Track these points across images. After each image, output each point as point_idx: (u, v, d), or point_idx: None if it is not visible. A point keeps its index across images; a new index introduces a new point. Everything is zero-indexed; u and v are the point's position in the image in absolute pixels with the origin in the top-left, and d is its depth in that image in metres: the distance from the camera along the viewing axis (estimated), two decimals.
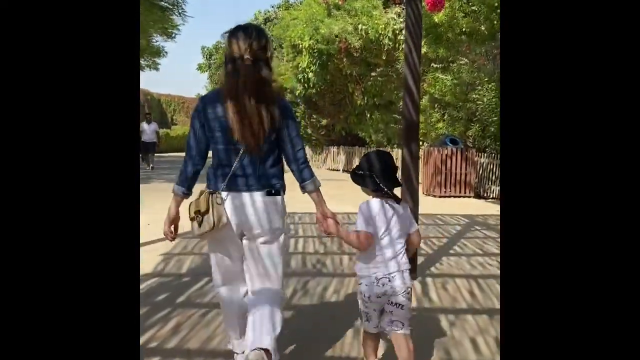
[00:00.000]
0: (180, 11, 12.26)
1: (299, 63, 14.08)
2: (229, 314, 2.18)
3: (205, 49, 22.94)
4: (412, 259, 2.56)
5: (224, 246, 2.05)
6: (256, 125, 1.89)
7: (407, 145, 3.69)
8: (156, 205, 5.75)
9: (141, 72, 20.83)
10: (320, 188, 2.04)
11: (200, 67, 23.12)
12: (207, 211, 1.93)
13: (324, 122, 15.89)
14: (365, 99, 13.69)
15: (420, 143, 11.91)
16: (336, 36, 12.13)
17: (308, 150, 18.17)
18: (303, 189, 2.02)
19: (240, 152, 1.93)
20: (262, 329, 1.98)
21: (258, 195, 1.96)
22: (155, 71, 20.83)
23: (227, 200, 1.96)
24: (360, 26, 11.36)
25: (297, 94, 15.31)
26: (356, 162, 15.27)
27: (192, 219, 1.98)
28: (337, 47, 12.38)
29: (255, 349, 1.90)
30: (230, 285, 2.14)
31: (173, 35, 14.30)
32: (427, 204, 7.94)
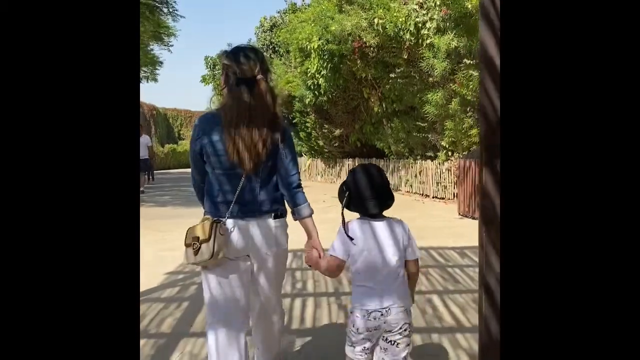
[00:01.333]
0: (170, 9, 10.91)
1: (308, 68, 12.66)
2: (224, 354, 1.92)
3: (209, 59, 21.73)
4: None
5: (226, 277, 1.94)
6: (260, 150, 1.87)
7: (489, 163, 2.12)
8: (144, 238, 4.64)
9: (141, 84, 19.81)
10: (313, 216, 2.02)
11: (204, 79, 21.89)
12: (207, 240, 1.84)
13: (337, 132, 14.41)
14: (383, 105, 12.18)
15: (449, 153, 10.30)
16: (349, 34, 10.64)
17: (320, 163, 16.69)
18: (295, 214, 2.00)
19: (243, 177, 1.91)
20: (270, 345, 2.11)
21: (266, 221, 1.94)
22: (154, 82, 19.72)
23: (233, 227, 1.91)
24: (376, 21, 9.86)
25: (306, 102, 13.88)
26: None
27: (187, 245, 1.89)
28: (350, 47, 10.89)
29: None
30: (228, 327, 1.94)
31: (168, 43, 13.00)
32: (465, 229, 6.72)
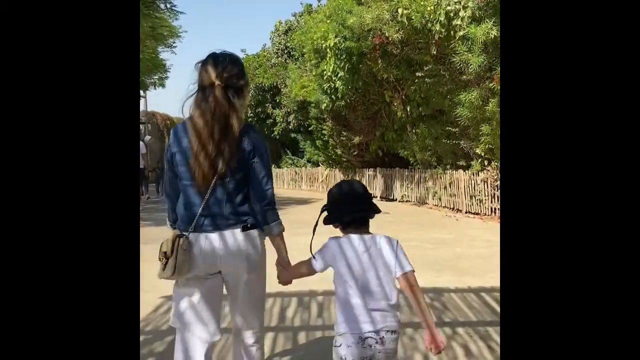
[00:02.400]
0: (168, 4, 9.89)
1: (324, 69, 11.52)
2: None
3: None
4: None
5: (192, 291, 1.88)
6: (217, 161, 1.82)
7: None
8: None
9: (150, 92, 19.00)
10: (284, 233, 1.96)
11: None
12: (170, 255, 1.79)
13: (356, 140, 13.21)
14: (407, 109, 10.93)
15: (485, 162, 8.97)
16: (369, 30, 9.47)
17: (338, 173, 15.47)
18: (262, 232, 1.92)
19: (209, 189, 1.84)
20: None
21: (232, 233, 1.85)
22: (161, 88, 18.90)
23: (199, 240, 1.85)
24: (400, 11, 8.65)
25: (323, 108, 12.72)
26: (397, 186, 12.67)
27: (159, 260, 1.84)
28: (370, 44, 9.71)
29: None
30: (196, 327, 1.88)
31: (172, 45, 12.02)
32: None
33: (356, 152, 13.84)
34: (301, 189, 17.69)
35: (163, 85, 15.20)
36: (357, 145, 13.49)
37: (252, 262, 1.89)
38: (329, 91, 12.03)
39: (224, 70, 1.84)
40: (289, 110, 17.58)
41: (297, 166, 18.79)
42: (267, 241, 1.96)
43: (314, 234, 1.79)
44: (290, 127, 17.92)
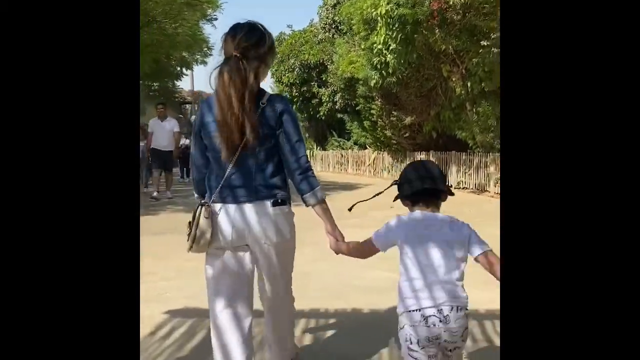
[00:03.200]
0: None
1: (374, 42, 10.45)
2: (230, 342, 1.87)
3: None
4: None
5: (222, 265, 1.88)
6: (235, 130, 1.78)
7: None
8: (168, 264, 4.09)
9: (196, 69, 18.61)
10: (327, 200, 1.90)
11: None
12: (193, 224, 1.84)
13: (407, 120, 12.10)
14: (468, 85, 9.70)
15: None
16: None
17: (387, 157, 14.42)
18: (304, 202, 1.87)
19: (234, 159, 1.82)
20: (279, 347, 2.07)
21: (261, 207, 1.82)
22: (203, 66, 18.40)
23: (225, 212, 1.84)
24: None
25: (372, 85, 11.68)
26: (453, 171, 11.46)
27: (187, 233, 1.86)
28: (427, 10, 8.55)
29: None
30: (230, 307, 1.88)
31: (211, 17, 11.30)
32: None
33: (407, 134, 12.73)
34: (347, 173, 16.75)
35: (205, 63, 14.66)
36: (409, 126, 12.37)
37: (281, 238, 1.86)
38: (378, 66, 11.04)
39: (241, 41, 1.81)
40: (335, 88, 16.59)
41: (343, 148, 17.81)
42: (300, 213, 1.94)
43: (377, 195, 1.91)
44: (336, 107, 16.95)
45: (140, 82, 18.10)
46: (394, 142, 13.49)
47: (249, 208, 1.82)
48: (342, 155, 17.46)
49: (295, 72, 18.07)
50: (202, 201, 1.86)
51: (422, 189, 1.71)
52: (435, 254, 1.63)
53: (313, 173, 1.87)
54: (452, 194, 1.77)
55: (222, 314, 1.88)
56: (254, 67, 1.80)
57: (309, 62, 17.48)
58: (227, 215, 1.83)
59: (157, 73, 14.66)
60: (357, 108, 14.81)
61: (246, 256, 1.89)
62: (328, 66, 16.51)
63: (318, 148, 19.64)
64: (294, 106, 19.47)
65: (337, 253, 1.90)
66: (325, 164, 18.30)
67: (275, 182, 1.86)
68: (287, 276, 2.01)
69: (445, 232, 1.67)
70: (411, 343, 1.59)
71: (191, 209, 1.91)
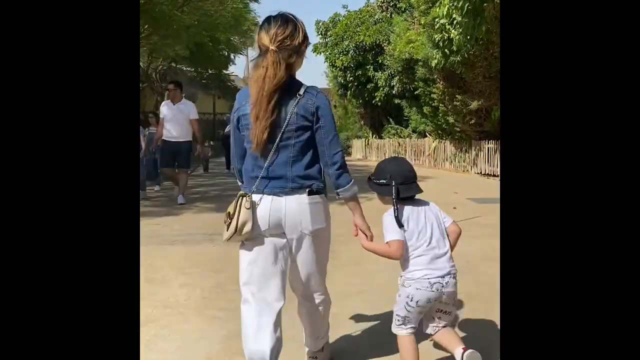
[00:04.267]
0: None
1: (436, 16, 9.16)
2: (260, 326, 1.87)
3: (320, 25, 18.93)
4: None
5: (258, 250, 1.91)
6: (275, 125, 1.83)
7: None
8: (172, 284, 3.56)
9: (243, 54, 17.82)
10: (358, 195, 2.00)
11: (315, 48, 19.17)
12: (234, 214, 1.86)
13: (473, 105, 10.70)
14: None
15: None
16: None
17: (449, 146, 13.06)
18: (338, 195, 1.96)
19: (272, 152, 1.86)
20: (313, 333, 2.15)
21: (297, 197, 1.89)
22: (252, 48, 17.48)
23: (265, 202, 1.88)
24: None
25: (433, 66, 10.39)
26: None
27: (224, 222, 1.89)
28: None
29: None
30: (262, 289, 1.90)
31: None
32: None
33: (473, 120, 11.31)
34: None
35: (252, 45, 13.85)
36: (475, 111, 10.97)
37: (316, 227, 1.92)
38: (441, 44, 9.75)
39: (277, 33, 1.82)
40: (392, 72, 15.31)
41: (400, 137, 16.53)
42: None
43: (395, 205, 2.01)
44: (393, 91, 15.67)
45: (183, 67, 17.63)
46: (458, 129, 12.09)
47: (285, 198, 1.88)
48: (399, 144, 16.19)
49: (350, 55, 16.89)
50: (243, 192, 1.90)
51: (412, 194, 2.08)
52: (435, 232, 2.01)
53: (348, 168, 1.95)
54: (421, 191, 2.11)
55: (254, 298, 1.91)
56: (291, 60, 1.85)
57: (364, 43, 16.26)
58: (264, 205, 1.88)
59: (203, 58, 14.02)
60: (416, 92, 13.49)
61: (282, 243, 1.93)
62: (385, 47, 15.23)
63: (374, 136, 18.41)
64: (349, 92, 18.36)
65: (370, 250, 2.05)
66: (381, 153, 17.11)
67: (310, 173, 1.91)
68: (323, 264, 2.06)
69: (430, 214, 2.05)
70: (411, 300, 1.96)
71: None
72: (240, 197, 1.87)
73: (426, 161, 14.32)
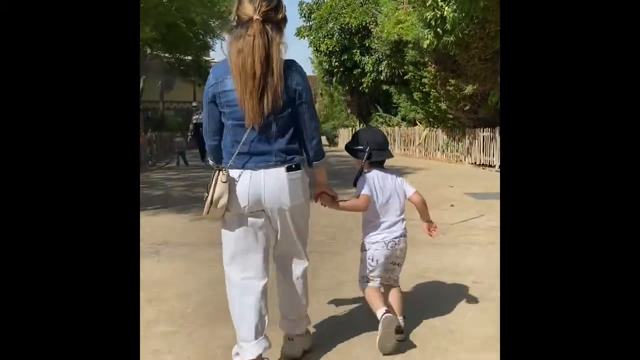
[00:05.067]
0: None
1: None
2: (243, 305, 1.95)
3: (304, 6, 17.92)
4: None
5: (239, 230, 1.92)
6: (263, 98, 1.80)
7: None
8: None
9: (222, 39, 16.76)
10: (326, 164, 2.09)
11: (298, 32, 18.17)
12: (210, 188, 1.86)
13: (468, 89, 9.89)
14: None
15: None
16: None
17: (441, 135, 12.27)
18: (311, 165, 2.03)
19: (256, 126, 1.84)
20: (292, 314, 2.11)
21: (277, 172, 1.89)
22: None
23: (244, 177, 1.88)
24: None
25: (424, 47, 9.52)
26: None
27: (204, 197, 1.88)
28: None
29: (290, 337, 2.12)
30: (245, 269, 1.96)
31: None
32: None
33: (468, 107, 10.49)
34: (394, 152, 14.64)
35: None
36: (470, 97, 10.15)
37: (294, 202, 1.92)
38: (433, 23, 8.87)
39: (262, 4, 1.80)
40: (380, 56, 14.44)
41: (389, 125, 15.67)
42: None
43: (361, 169, 2.27)
44: (381, 77, 14.81)
45: (159, 52, 16.53)
46: (451, 116, 11.27)
47: (265, 173, 1.87)
48: (387, 133, 15.32)
49: (335, 38, 15.94)
50: (220, 166, 1.89)
51: (383, 158, 2.32)
52: (394, 199, 2.26)
53: (321, 142, 2.07)
54: (392, 156, 2.39)
55: (237, 277, 1.95)
56: (275, 33, 1.82)
57: (350, 26, 15.32)
58: (244, 181, 1.87)
59: (177, 42, 12.97)
60: (405, 78, 12.64)
61: (262, 221, 1.93)
62: (372, 30, 14.31)
63: (361, 125, 17.55)
64: (334, 78, 17.44)
65: (332, 207, 2.23)
66: None
67: (292, 147, 1.93)
68: (303, 241, 2.07)
69: (394, 183, 2.29)
70: (372, 260, 2.24)
71: None
72: (217, 171, 1.86)
73: (416, 151, 13.51)
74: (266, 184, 1.86)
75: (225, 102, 1.85)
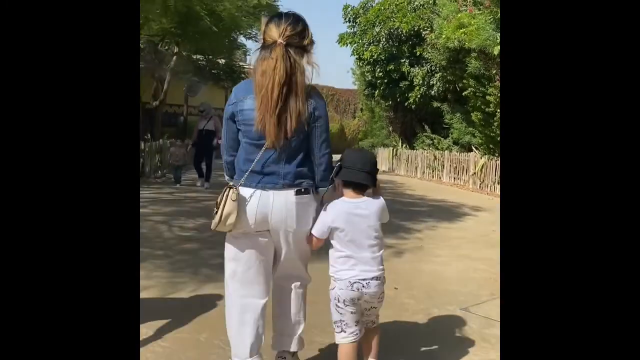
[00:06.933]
0: None
1: None
2: (241, 322, 2.00)
3: (349, 10, 16.06)
4: None
5: (243, 248, 1.98)
6: (282, 120, 1.84)
7: None
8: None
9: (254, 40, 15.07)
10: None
11: (341, 39, 16.30)
12: (220, 204, 1.90)
13: None
14: None
15: None
16: None
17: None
18: (318, 191, 2.03)
19: (267, 148, 1.89)
20: (289, 329, 2.11)
21: (285, 195, 1.92)
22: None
23: (254, 197, 1.92)
24: None
25: (494, 54, 7.45)
26: None
27: (214, 211, 1.93)
28: None
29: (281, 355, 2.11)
30: (246, 286, 2.00)
31: None
32: None
33: None
34: (441, 182, 12.49)
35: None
36: None
37: (300, 227, 1.95)
38: None
39: (287, 29, 1.85)
40: (432, 67, 12.36)
41: (437, 148, 13.49)
42: None
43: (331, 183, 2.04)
44: (432, 92, 12.70)
45: (190, 54, 14.97)
46: None
47: (274, 194, 1.90)
48: (435, 157, 13.18)
49: (381, 45, 13.94)
50: (231, 183, 1.93)
51: (364, 180, 2.00)
52: (367, 234, 1.97)
53: (331, 171, 2.02)
54: (377, 185, 2.05)
55: (238, 294, 2.00)
56: (298, 57, 1.87)
57: (399, 31, 13.30)
58: (253, 200, 1.90)
59: (198, 38, 11.29)
60: (463, 94, 10.52)
61: (267, 241, 1.97)
62: (425, 37, 12.25)
63: (404, 146, 15.41)
64: (377, 90, 15.42)
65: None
66: (411, 167, 14.15)
67: (302, 171, 1.94)
68: (305, 263, 2.10)
69: (376, 211, 2.00)
70: (339, 301, 1.97)
71: None
72: (228, 189, 1.89)
73: (469, 182, 11.30)
74: (274, 205, 1.90)
75: (242, 120, 1.91)
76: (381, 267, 1.99)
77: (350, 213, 1.95)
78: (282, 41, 1.81)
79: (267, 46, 1.85)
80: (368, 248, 1.96)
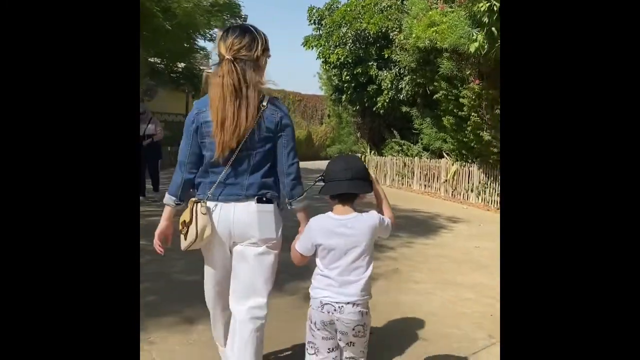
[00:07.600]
0: None
1: None
2: (216, 323, 2.20)
3: (314, 11, 15.41)
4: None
5: (214, 259, 2.02)
6: (232, 131, 1.85)
7: None
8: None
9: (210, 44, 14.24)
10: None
11: (306, 42, 15.61)
12: (191, 221, 1.88)
13: None
14: None
15: None
16: None
17: (476, 171, 9.52)
18: (290, 205, 1.99)
19: (231, 160, 1.90)
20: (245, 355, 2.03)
21: (247, 205, 1.91)
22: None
23: (215, 210, 1.92)
24: None
25: (471, 52, 6.94)
26: None
27: (180, 232, 1.93)
28: None
29: None
30: (220, 301, 2.10)
31: None
32: None
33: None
34: (411, 189, 11.92)
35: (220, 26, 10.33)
36: None
37: (265, 236, 1.92)
38: (487, 19, 6.37)
39: (234, 42, 1.87)
40: (401, 70, 11.81)
41: (407, 155, 12.93)
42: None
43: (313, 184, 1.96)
44: (401, 96, 12.15)
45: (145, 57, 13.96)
46: (495, 150, 8.53)
47: (234, 206, 1.90)
48: (404, 164, 12.62)
49: (348, 47, 13.32)
50: (197, 198, 1.91)
51: (346, 190, 1.84)
52: (352, 255, 1.79)
53: (302, 180, 1.99)
54: (370, 192, 1.90)
55: (213, 305, 2.14)
56: (248, 70, 1.87)
57: (367, 33, 12.72)
58: (217, 213, 1.90)
59: (153, 38, 10.39)
60: (435, 97, 9.97)
61: (229, 254, 1.98)
62: (393, 38, 11.69)
63: (372, 152, 14.81)
64: (344, 95, 14.78)
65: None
66: (380, 173, 13.55)
67: (266, 182, 1.93)
68: (269, 276, 2.00)
69: (358, 237, 1.81)
70: (311, 322, 1.86)
71: None
72: (195, 204, 1.87)
73: (441, 189, 10.75)
74: (235, 217, 1.89)
75: (206, 132, 1.90)
76: (363, 293, 1.80)
77: (333, 231, 1.82)
78: (229, 56, 1.86)
79: (219, 62, 1.91)
80: (350, 270, 1.81)
